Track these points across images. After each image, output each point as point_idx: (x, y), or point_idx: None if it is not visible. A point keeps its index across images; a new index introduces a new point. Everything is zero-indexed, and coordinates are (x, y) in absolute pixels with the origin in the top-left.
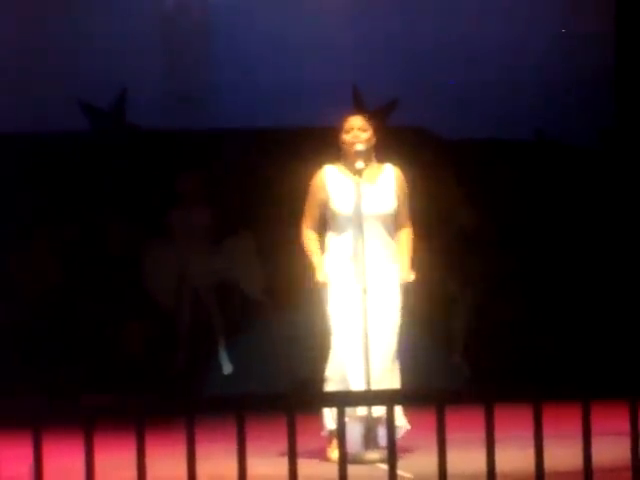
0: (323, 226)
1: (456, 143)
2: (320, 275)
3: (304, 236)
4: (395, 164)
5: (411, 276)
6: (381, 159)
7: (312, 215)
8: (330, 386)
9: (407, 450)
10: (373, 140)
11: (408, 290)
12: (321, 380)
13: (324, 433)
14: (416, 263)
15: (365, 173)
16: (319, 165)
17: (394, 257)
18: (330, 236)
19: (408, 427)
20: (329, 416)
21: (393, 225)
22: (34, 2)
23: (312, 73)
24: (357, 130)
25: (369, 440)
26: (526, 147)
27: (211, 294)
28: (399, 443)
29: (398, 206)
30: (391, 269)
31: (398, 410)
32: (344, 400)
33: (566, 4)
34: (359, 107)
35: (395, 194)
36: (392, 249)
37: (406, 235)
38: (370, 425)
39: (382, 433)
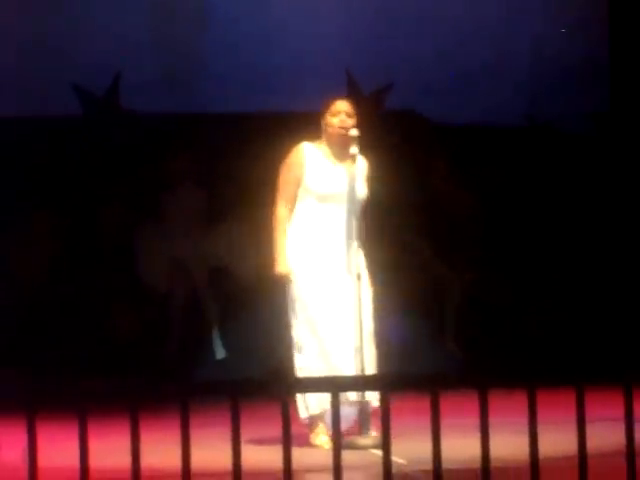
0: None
1: (447, 128)
2: (282, 267)
3: (277, 218)
4: (380, 147)
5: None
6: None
7: (288, 193)
8: (302, 375)
9: (401, 436)
10: (356, 125)
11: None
12: (292, 369)
13: (303, 420)
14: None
15: (347, 157)
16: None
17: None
18: (301, 216)
19: (376, 405)
20: (308, 401)
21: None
22: None
23: (306, 58)
24: (344, 114)
25: (362, 424)
26: (518, 132)
27: (204, 278)
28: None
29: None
30: (360, 255)
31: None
32: (338, 385)
33: None
34: (354, 92)
35: (365, 182)
36: (359, 233)
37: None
38: (362, 408)
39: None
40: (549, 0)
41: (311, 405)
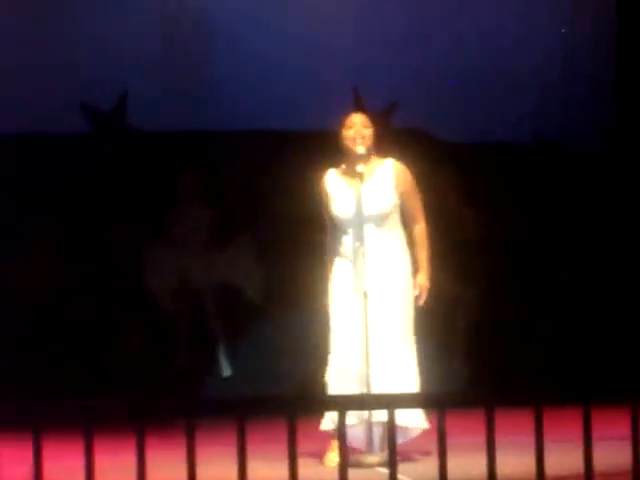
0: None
1: (454, 145)
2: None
3: (326, 247)
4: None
5: (423, 282)
6: (382, 155)
7: (327, 221)
8: (330, 390)
9: (408, 454)
10: (374, 138)
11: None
12: (321, 384)
13: (322, 429)
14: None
15: (366, 169)
16: (320, 169)
17: (400, 257)
18: (332, 241)
19: (425, 426)
20: (327, 415)
21: (395, 223)
22: (34, 2)
23: (313, 74)
24: (359, 125)
25: (370, 443)
26: (525, 150)
27: (211, 296)
28: (401, 447)
29: (403, 202)
30: (395, 273)
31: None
32: (345, 404)
33: (566, 4)
34: (360, 110)
35: (395, 190)
36: (396, 247)
37: (420, 233)
38: (370, 428)
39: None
40: (556, 17)
41: (328, 420)
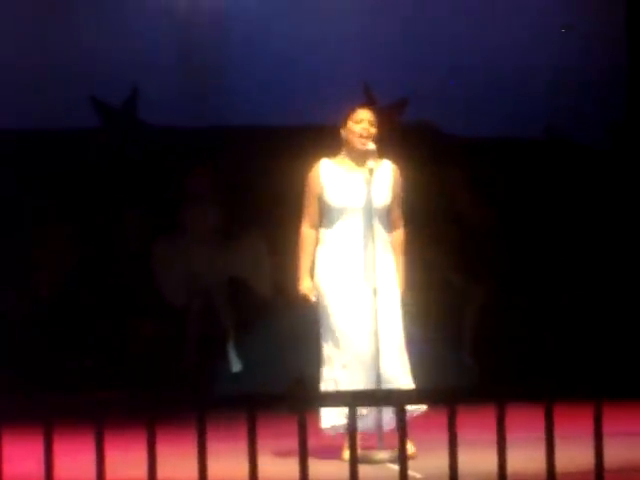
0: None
1: (465, 140)
2: (304, 286)
3: (301, 236)
4: (401, 162)
5: (400, 288)
6: (381, 154)
7: (311, 211)
8: (327, 387)
9: (418, 450)
10: (377, 136)
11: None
12: (317, 380)
13: (324, 427)
14: (421, 267)
15: (367, 166)
16: (314, 160)
17: (389, 254)
18: (326, 232)
19: (423, 408)
20: (334, 414)
21: (387, 220)
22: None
23: (325, 71)
24: (367, 123)
25: (379, 428)
26: (536, 145)
27: (221, 292)
28: (410, 441)
29: (391, 203)
30: (388, 267)
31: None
32: (355, 399)
33: (577, 2)
34: (370, 104)
35: (390, 190)
36: (387, 244)
37: (398, 238)
38: (379, 420)
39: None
40: (566, 13)
41: (335, 417)
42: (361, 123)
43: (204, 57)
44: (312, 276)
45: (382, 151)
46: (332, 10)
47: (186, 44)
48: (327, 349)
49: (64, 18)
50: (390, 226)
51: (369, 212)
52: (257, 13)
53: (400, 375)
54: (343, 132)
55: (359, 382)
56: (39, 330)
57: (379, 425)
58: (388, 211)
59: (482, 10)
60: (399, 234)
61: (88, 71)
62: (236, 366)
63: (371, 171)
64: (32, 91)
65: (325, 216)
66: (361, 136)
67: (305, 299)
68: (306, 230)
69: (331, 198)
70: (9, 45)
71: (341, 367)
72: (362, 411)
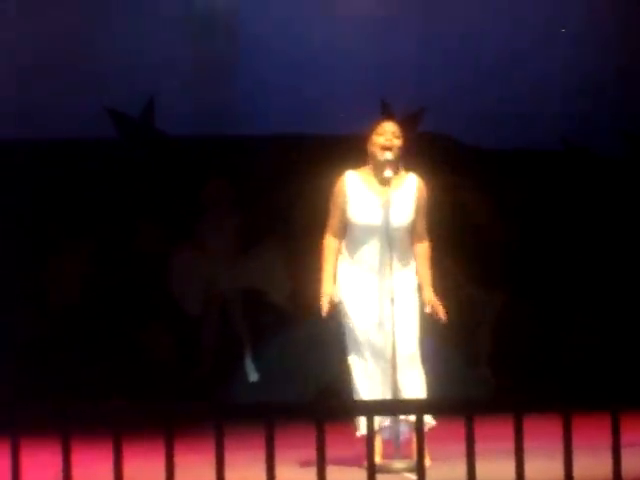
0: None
1: (482, 152)
2: (326, 296)
3: (324, 246)
4: (419, 173)
5: (433, 298)
6: (407, 168)
7: (335, 222)
8: (359, 395)
9: (435, 460)
10: (402, 149)
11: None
12: (348, 390)
13: (359, 435)
14: (437, 278)
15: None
16: (339, 173)
17: (410, 267)
18: (348, 245)
19: (433, 423)
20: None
21: (409, 235)
22: (64, 9)
23: (343, 81)
24: (390, 134)
25: (396, 437)
26: (553, 156)
27: (238, 301)
28: (427, 452)
29: (415, 217)
30: (409, 278)
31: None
32: (374, 409)
33: (593, 11)
34: (387, 115)
35: (414, 205)
36: (409, 257)
37: (424, 251)
38: (396, 430)
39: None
40: (581, 22)
41: (362, 425)
42: (384, 135)
43: (220, 66)
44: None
45: (408, 164)
46: (350, 18)
47: (202, 53)
48: (350, 359)
49: (80, 29)
50: (411, 241)
51: (387, 226)
52: (273, 22)
53: (413, 386)
54: (368, 146)
55: (381, 392)
56: (55, 342)
57: (396, 435)
58: (410, 226)
59: (498, 22)
60: (424, 247)
61: (104, 81)
62: (253, 376)
63: (388, 181)
64: (48, 101)
65: (350, 232)
66: (383, 148)
67: (328, 309)
68: (329, 240)
69: (357, 215)
70: (26, 56)
71: (363, 378)
72: (384, 422)
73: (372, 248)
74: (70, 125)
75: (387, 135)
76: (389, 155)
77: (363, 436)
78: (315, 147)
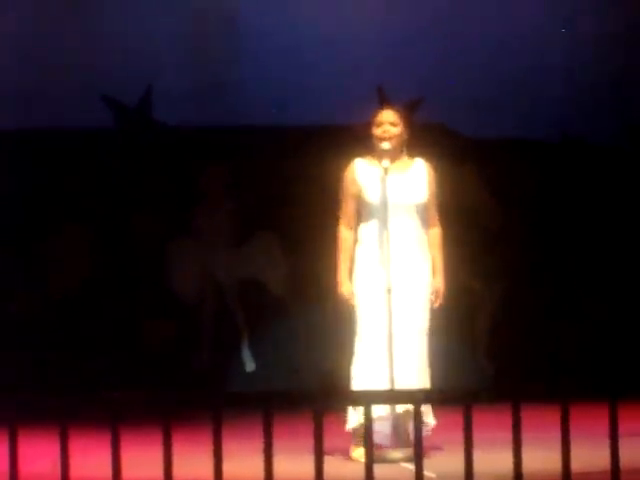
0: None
1: (479, 141)
2: (345, 289)
3: (339, 238)
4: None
5: (440, 286)
6: (412, 154)
7: (347, 211)
8: (356, 385)
9: (432, 450)
10: (404, 135)
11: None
12: (346, 378)
13: (348, 429)
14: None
15: (395, 164)
16: (346, 161)
17: (424, 253)
18: (361, 228)
19: (433, 423)
20: (352, 414)
21: (423, 218)
22: None
23: (341, 70)
24: (388, 124)
25: (395, 438)
26: (551, 147)
27: (234, 291)
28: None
29: (428, 200)
30: (419, 266)
31: (426, 408)
32: (371, 399)
33: (592, 2)
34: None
35: (427, 187)
36: (422, 242)
37: (436, 237)
38: (395, 422)
39: (407, 428)
40: (581, 13)
41: (353, 417)
42: (381, 126)
43: (218, 55)
44: (351, 277)
45: (410, 150)
46: (349, 8)
47: (200, 42)
48: (355, 349)
49: (77, 17)
50: (427, 224)
51: (385, 212)
52: (272, 10)
53: (414, 377)
54: (370, 137)
55: (378, 382)
56: (54, 332)
57: (393, 424)
58: (425, 209)
59: (496, 10)
60: (436, 233)
61: (101, 69)
62: (250, 365)
63: (386, 170)
64: (44, 90)
65: (362, 215)
66: (380, 139)
67: (347, 302)
68: (344, 231)
69: (370, 196)
70: (24, 44)
71: (365, 367)
72: (382, 413)
73: (373, 230)
74: (67, 114)
75: (384, 126)
76: (386, 145)
77: (352, 430)
78: (313, 137)
